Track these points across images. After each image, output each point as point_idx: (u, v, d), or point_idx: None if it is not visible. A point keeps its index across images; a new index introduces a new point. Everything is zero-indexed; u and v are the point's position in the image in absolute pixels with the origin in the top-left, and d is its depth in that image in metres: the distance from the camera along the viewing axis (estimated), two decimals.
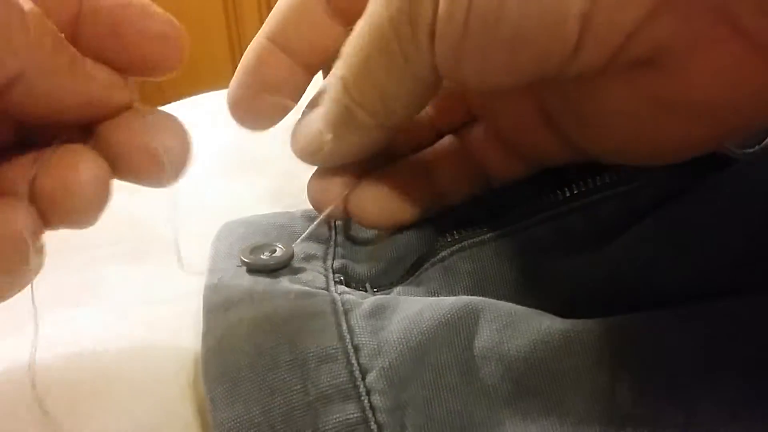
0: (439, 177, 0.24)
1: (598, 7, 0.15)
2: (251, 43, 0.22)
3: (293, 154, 0.22)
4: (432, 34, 0.17)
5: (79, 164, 0.17)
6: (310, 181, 0.23)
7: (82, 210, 0.18)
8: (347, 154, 0.21)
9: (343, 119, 0.20)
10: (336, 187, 0.22)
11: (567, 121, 0.21)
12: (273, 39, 0.22)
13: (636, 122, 0.18)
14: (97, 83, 0.18)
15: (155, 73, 0.18)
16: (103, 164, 0.18)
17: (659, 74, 0.17)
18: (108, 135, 0.18)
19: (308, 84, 0.23)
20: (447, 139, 0.24)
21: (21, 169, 0.18)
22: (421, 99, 0.20)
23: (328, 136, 0.20)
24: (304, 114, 0.22)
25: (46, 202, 0.17)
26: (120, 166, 0.18)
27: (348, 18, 0.21)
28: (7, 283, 0.18)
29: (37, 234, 0.17)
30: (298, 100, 0.23)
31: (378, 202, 0.23)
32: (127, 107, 0.19)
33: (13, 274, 0.18)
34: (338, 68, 0.19)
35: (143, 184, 0.19)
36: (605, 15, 0.15)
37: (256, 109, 0.22)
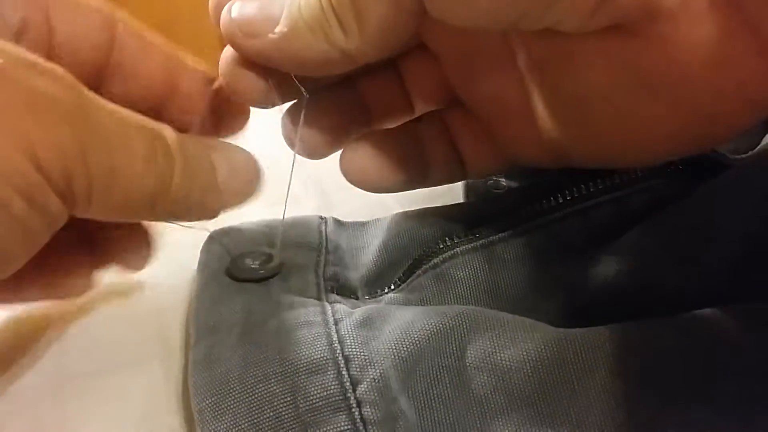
0: (424, 154, 0.23)
1: None
2: None
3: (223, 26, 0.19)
4: None
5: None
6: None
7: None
8: (295, 59, 0.19)
9: (311, 22, 0.18)
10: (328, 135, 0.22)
11: (545, 111, 0.20)
12: None
13: (613, 104, 0.18)
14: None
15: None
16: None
17: (642, 44, 0.16)
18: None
19: None
20: (431, 117, 0.24)
21: None
22: (397, 30, 0.18)
23: (282, 29, 0.18)
24: None
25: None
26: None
27: None
28: None
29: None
30: None
31: (374, 162, 0.22)
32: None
33: None
34: None
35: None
36: None
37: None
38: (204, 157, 0.19)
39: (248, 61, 0.20)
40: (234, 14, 0.19)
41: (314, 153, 0.22)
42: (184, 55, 0.22)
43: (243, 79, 0.20)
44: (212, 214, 0.20)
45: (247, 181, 0.20)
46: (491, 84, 0.21)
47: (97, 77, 0.20)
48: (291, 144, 0.22)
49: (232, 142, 0.21)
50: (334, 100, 0.22)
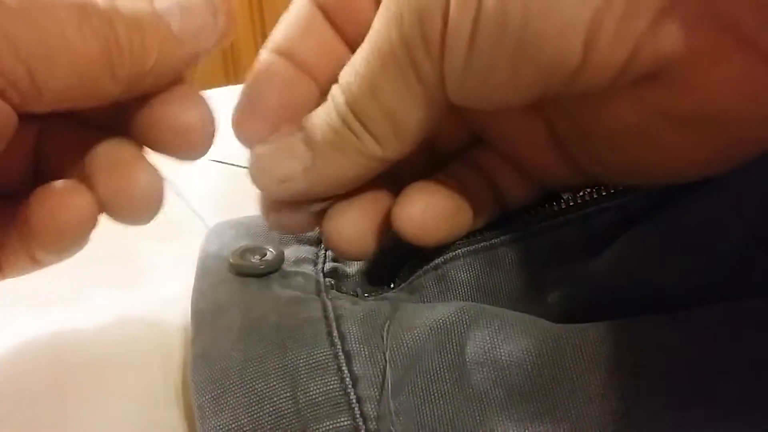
0: (473, 197, 0.22)
1: (604, 18, 0.15)
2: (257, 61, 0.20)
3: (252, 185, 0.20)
4: (442, 50, 0.16)
5: (138, 172, 0.19)
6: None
7: (137, 215, 0.19)
8: (332, 183, 0.19)
9: (340, 145, 0.18)
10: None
11: (575, 143, 0.20)
12: (280, 51, 0.20)
13: (645, 138, 0.18)
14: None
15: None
16: (157, 172, 0.19)
17: (664, 88, 0.16)
18: (143, 115, 0.19)
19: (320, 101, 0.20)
20: (465, 159, 0.23)
21: (74, 155, 0.19)
22: (430, 125, 0.18)
23: (316, 162, 0.19)
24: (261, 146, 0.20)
25: (103, 200, 0.18)
26: (157, 145, 0.19)
27: (348, 39, 0.20)
28: (55, 259, 0.19)
29: (95, 220, 0.18)
30: None
31: (431, 213, 0.21)
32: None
33: (67, 253, 0.19)
34: (337, 93, 0.18)
35: (176, 158, 0.19)
36: (610, 27, 0.15)
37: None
38: (146, 8, 0.18)
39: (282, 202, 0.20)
40: (256, 163, 0.19)
41: (361, 246, 0.21)
42: None
43: (287, 219, 0.20)
44: (183, 66, 0.19)
45: (204, 16, 0.19)
46: (516, 127, 0.21)
47: None
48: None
49: None
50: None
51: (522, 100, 0.17)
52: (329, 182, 0.19)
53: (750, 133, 0.17)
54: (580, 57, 0.15)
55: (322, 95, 0.20)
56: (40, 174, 0.20)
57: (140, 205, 0.19)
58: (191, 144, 0.19)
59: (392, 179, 0.21)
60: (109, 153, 0.19)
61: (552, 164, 0.21)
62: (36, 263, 0.20)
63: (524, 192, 0.23)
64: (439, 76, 0.17)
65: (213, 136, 0.19)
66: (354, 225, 0.20)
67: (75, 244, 0.19)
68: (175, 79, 0.19)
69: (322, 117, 0.19)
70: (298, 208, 0.20)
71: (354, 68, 0.18)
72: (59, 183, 0.18)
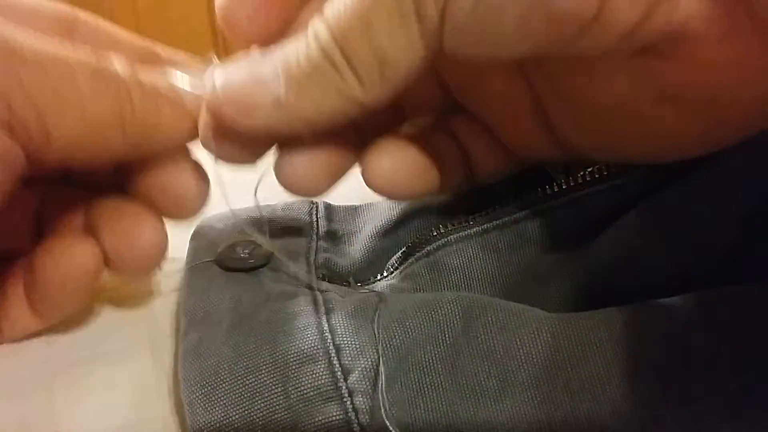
0: (441, 159, 0.21)
1: None
2: None
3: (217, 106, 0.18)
4: None
5: (142, 227, 0.20)
6: (285, 166, 0.19)
7: (140, 268, 0.20)
8: (301, 121, 0.17)
9: (318, 81, 0.17)
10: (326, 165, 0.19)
11: (559, 113, 0.20)
12: None
13: (632, 113, 0.18)
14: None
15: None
16: (162, 227, 0.20)
17: (664, 61, 0.16)
18: (143, 179, 0.20)
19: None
20: (440, 122, 0.22)
21: (76, 214, 0.20)
22: (415, 74, 0.17)
23: (288, 96, 0.17)
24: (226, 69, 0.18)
25: (108, 253, 0.20)
26: (152, 207, 0.20)
27: None
28: (57, 312, 0.20)
29: (100, 271, 0.20)
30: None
31: (400, 168, 0.20)
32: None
33: (69, 306, 0.20)
34: (320, 27, 0.17)
35: (166, 218, 0.21)
36: None
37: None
38: (161, 73, 0.19)
39: (228, 131, 0.18)
40: (221, 89, 0.17)
41: (312, 189, 0.20)
42: (161, 50, 0.22)
43: (231, 152, 0.19)
44: (190, 135, 0.19)
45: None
46: (497, 90, 0.21)
47: None
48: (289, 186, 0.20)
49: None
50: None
51: (520, 52, 0.16)
52: (298, 119, 0.17)
53: (736, 116, 0.17)
54: (595, 9, 0.15)
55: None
56: (42, 234, 0.21)
57: (144, 259, 0.20)
58: (186, 212, 0.21)
59: (356, 134, 0.20)
60: (114, 207, 0.20)
61: (531, 133, 0.21)
62: (38, 317, 0.20)
63: (496, 162, 0.22)
64: (440, 16, 0.15)
65: (206, 203, 0.21)
66: (308, 168, 0.19)
67: (78, 294, 0.20)
68: (179, 148, 0.20)
69: (301, 49, 0.17)
70: (242, 144, 0.19)
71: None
72: (66, 233, 0.20)
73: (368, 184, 0.20)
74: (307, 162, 0.19)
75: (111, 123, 0.18)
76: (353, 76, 0.17)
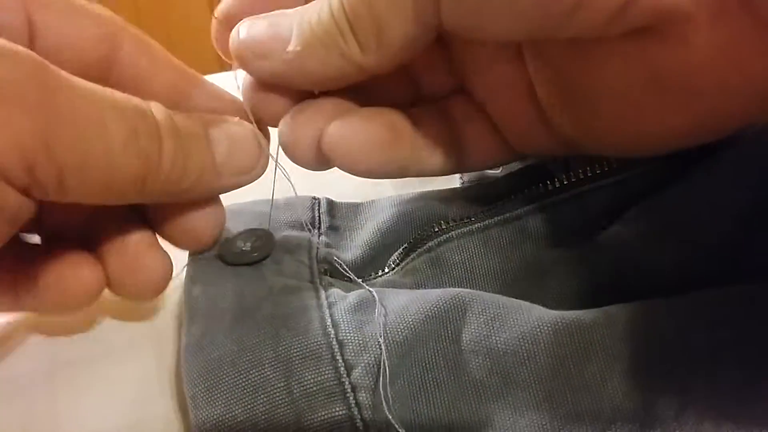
0: (416, 137, 0.21)
1: None
2: None
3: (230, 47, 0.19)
4: None
5: (147, 257, 0.20)
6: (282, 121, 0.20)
7: (141, 295, 0.20)
8: (308, 77, 0.19)
9: (325, 41, 0.18)
10: (315, 121, 0.20)
11: (555, 101, 0.20)
12: None
13: (626, 101, 0.18)
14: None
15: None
16: (166, 256, 0.20)
17: (659, 46, 0.16)
18: (162, 211, 0.20)
19: None
20: (429, 102, 0.23)
21: (85, 228, 0.20)
22: (414, 45, 0.18)
23: (294, 48, 0.18)
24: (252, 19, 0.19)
25: (110, 277, 0.20)
26: (167, 237, 0.20)
27: None
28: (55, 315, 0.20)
29: (101, 292, 0.20)
30: None
31: (361, 140, 0.20)
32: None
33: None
34: None
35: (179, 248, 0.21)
36: None
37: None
38: (200, 134, 0.19)
39: (267, 84, 0.20)
40: (243, 35, 0.19)
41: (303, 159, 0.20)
42: (194, 73, 0.21)
43: (265, 103, 0.20)
44: (210, 195, 0.20)
45: (249, 158, 0.20)
46: (498, 74, 0.21)
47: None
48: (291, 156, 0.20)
49: (233, 117, 0.20)
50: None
51: (515, 32, 0.17)
52: (305, 75, 0.19)
53: (726, 106, 0.17)
54: None
55: None
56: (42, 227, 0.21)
57: (146, 288, 0.20)
58: (201, 245, 0.21)
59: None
60: (121, 233, 0.20)
61: (527, 120, 0.21)
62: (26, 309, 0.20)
63: (491, 150, 0.22)
64: None
65: (219, 236, 0.21)
66: (310, 134, 0.20)
67: (77, 309, 0.20)
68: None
69: (315, 12, 0.18)
70: (279, 96, 0.20)
71: None
72: (71, 251, 0.19)
73: (326, 155, 0.20)
74: (308, 130, 0.20)
75: (134, 185, 0.17)
76: (354, 40, 0.18)
